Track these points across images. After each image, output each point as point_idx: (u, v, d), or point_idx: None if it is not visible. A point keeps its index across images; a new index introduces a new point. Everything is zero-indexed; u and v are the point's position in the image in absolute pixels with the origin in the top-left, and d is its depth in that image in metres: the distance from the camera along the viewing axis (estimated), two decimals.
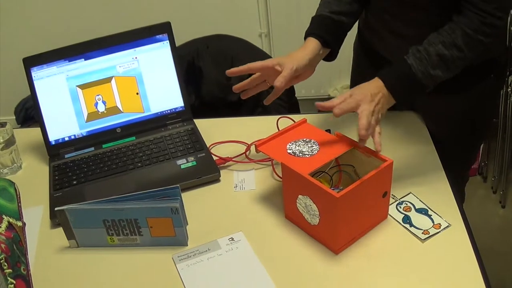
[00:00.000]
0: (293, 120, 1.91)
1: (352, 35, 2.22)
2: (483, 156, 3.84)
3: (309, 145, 1.66)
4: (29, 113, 3.93)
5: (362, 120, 1.56)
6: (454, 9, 1.71)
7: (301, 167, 1.56)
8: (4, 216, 1.45)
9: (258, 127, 2.10)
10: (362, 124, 1.55)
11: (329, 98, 4.13)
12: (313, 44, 1.84)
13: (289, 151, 1.65)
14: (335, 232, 1.56)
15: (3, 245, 1.39)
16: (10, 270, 1.38)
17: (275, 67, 1.78)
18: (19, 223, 1.50)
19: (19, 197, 1.54)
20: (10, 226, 1.45)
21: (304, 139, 1.69)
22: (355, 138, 1.66)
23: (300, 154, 1.63)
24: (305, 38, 1.88)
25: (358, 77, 2.32)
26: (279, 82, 1.74)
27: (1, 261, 1.36)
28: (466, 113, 2.01)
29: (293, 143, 1.68)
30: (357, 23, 2.18)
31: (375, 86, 1.64)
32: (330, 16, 1.88)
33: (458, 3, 1.69)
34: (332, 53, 1.90)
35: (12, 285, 1.38)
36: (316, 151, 1.63)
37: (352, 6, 1.92)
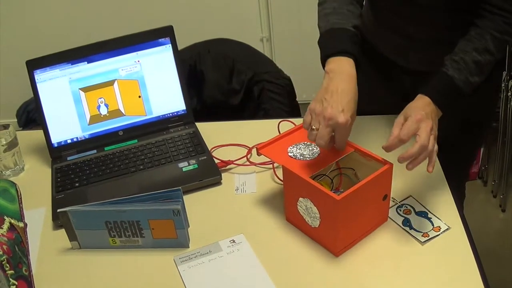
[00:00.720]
0: (294, 124, 1.93)
1: None
2: (483, 160, 3.84)
3: (310, 148, 1.67)
4: (30, 116, 3.94)
5: (422, 135, 1.52)
6: (460, 8, 1.73)
7: (302, 170, 1.57)
8: (5, 217, 1.46)
9: (259, 130, 2.11)
10: (421, 139, 1.51)
11: None
12: (351, 67, 1.67)
13: (290, 154, 1.65)
14: (336, 235, 1.56)
15: (4, 246, 1.40)
16: (12, 271, 1.39)
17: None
18: (21, 224, 1.51)
19: (21, 198, 1.55)
20: (11, 227, 1.46)
21: (305, 142, 1.70)
22: (357, 142, 1.67)
23: (301, 157, 1.63)
24: (336, 54, 1.69)
25: (360, 81, 2.33)
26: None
27: (3, 262, 1.37)
28: (465, 116, 2.02)
29: (294, 146, 1.68)
30: None
31: (424, 104, 1.61)
32: (356, 33, 1.75)
33: (464, 3, 1.70)
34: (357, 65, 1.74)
35: (14, 286, 1.39)
36: (317, 154, 1.64)
37: (358, 18, 1.84)
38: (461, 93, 1.66)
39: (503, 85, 3.25)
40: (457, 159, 2.11)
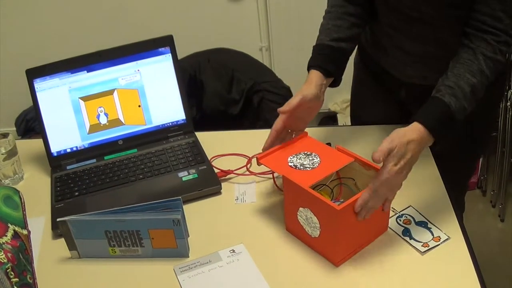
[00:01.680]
0: (294, 134, 1.92)
1: None
2: (483, 170, 3.84)
3: (310, 158, 1.67)
4: (30, 124, 3.95)
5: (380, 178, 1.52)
6: (459, 25, 1.72)
7: (302, 180, 1.57)
8: (9, 225, 1.46)
9: (259, 140, 2.09)
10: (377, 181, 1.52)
11: (329, 112, 4.16)
12: (316, 76, 1.82)
13: (290, 164, 1.65)
14: (336, 245, 1.56)
15: (9, 254, 1.39)
16: (17, 279, 1.39)
17: (299, 101, 1.76)
18: (25, 232, 1.50)
19: (24, 205, 1.55)
20: (16, 234, 1.46)
21: (305, 152, 1.70)
22: (356, 152, 1.67)
23: (301, 167, 1.63)
24: (308, 69, 1.86)
25: (358, 91, 2.34)
26: (286, 107, 1.76)
27: (8, 270, 1.37)
28: (464, 126, 2.02)
29: (294, 156, 1.68)
30: None
31: (413, 131, 1.57)
32: (329, 45, 1.87)
33: (463, 19, 1.69)
34: (335, 80, 1.89)
35: None
36: (317, 164, 1.64)
37: (352, 30, 1.91)
38: (454, 119, 1.62)
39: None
40: (456, 169, 2.11)
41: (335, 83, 1.89)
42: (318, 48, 1.89)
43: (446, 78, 1.64)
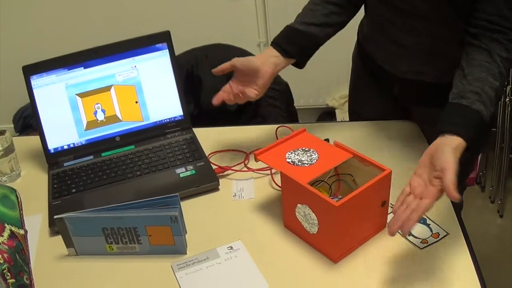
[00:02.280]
0: (291, 129, 1.92)
1: (351, 44, 2.22)
2: (481, 165, 3.84)
3: (308, 154, 1.66)
4: (27, 121, 3.94)
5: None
6: (455, 19, 1.71)
7: (300, 176, 1.56)
8: (6, 225, 1.45)
9: (257, 136, 2.10)
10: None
11: (327, 107, 4.15)
12: (269, 50, 1.90)
13: (288, 160, 1.65)
14: (334, 241, 1.56)
15: (5, 255, 1.39)
16: (13, 280, 1.39)
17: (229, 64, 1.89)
18: (21, 231, 1.50)
19: (21, 205, 1.54)
20: (12, 234, 1.45)
21: (303, 148, 1.69)
22: (355, 148, 1.67)
23: (299, 163, 1.63)
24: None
25: (356, 87, 2.33)
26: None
27: (4, 271, 1.36)
28: None
29: (292, 152, 1.68)
30: (355, 33, 2.19)
31: (455, 148, 1.50)
32: (296, 28, 1.91)
33: (459, 13, 1.68)
34: (298, 62, 1.92)
35: None
36: (315, 160, 1.64)
37: (329, 17, 1.90)
38: (485, 126, 1.57)
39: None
40: None
41: (299, 65, 1.93)
42: (286, 29, 1.94)
43: (468, 84, 1.58)
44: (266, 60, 1.85)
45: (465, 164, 2.22)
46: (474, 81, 1.58)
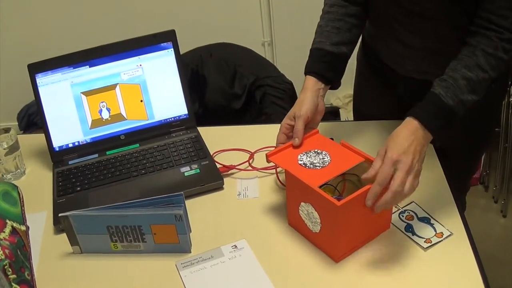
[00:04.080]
0: None
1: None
2: (485, 165, 3.83)
3: (321, 157, 1.66)
4: (32, 119, 3.94)
5: (395, 182, 1.50)
6: (461, 19, 1.71)
7: (311, 179, 1.56)
8: (7, 221, 1.46)
9: (262, 135, 2.10)
10: (394, 186, 1.50)
11: (332, 107, 4.15)
12: (312, 82, 1.83)
13: (300, 162, 1.65)
14: (336, 241, 1.56)
15: (7, 251, 1.39)
16: (15, 276, 1.39)
17: (303, 124, 1.77)
18: (23, 227, 1.50)
19: (23, 201, 1.54)
20: (14, 230, 1.46)
21: (316, 150, 1.69)
22: (359, 147, 1.67)
23: (311, 166, 1.63)
24: (305, 74, 1.86)
25: (361, 86, 2.33)
26: (295, 141, 1.74)
27: (5, 267, 1.36)
28: (468, 123, 2.01)
29: (304, 154, 1.68)
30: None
31: (409, 132, 1.56)
32: (331, 51, 1.86)
33: (465, 14, 1.68)
34: (334, 84, 1.89)
35: None
36: (327, 163, 1.63)
37: (352, 33, 1.89)
38: (453, 112, 1.59)
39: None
40: (459, 166, 2.11)
41: (334, 87, 1.90)
42: (318, 54, 1.88)
43: (444, 75, 1.63)
44: (317, 94, 1.81)
45: (470, 164, 2.23)
46: (447, 71, 1.63)
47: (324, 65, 1.84)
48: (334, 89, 1.90)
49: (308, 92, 1.80)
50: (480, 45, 1.61)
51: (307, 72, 1.85)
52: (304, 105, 1.78)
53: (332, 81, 1.86)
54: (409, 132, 1.56)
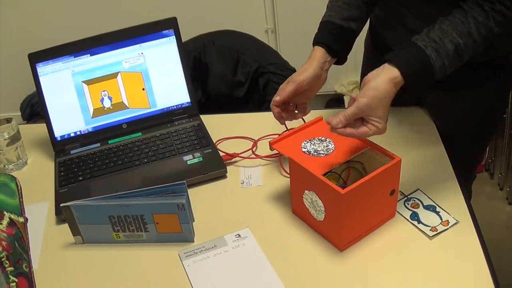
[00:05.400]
0: (301, 117, 1.90)
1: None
2: (490, 152, 3.82)
3: (325, 144, 1.65)
4: (35, 109, 3.94)
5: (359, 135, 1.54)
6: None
7: (315, 167, 1.54)
8: (5, 212, 1.45)
9: (265, 123, 2.09)
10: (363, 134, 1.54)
11: (336, 94, 4.14)
12: (320, 53, 1.81)
13: (304, 149, 1.63)
14: (340, 229, 1.55)
15: (4, 243, 1.38)
16: (12, 268, 1.38)
17: (293, 89, 1.76)
18: (21, 219, 1.49)
19: (21, 192, 1.53)
20: (11, 222, 1.45)
21: (320, 137, 1.68)
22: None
23: (315, 153, 1.61)
24: (313, 45, 1.85)
25: (368, 73, 2.31)
26: (276, 98, 1.76)
27: (3, 259, 1.35)
28: (474, 111, 2.00)
29: (308, 142, 1.66)
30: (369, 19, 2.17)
31: (389, 80, 1.55)
32: (340, 25, 1.85)
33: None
34: (341, 59, 1.88)
35: (14, 284, 1.37)
36: (331, 151, 1.62)
37: (362, 10, 1.88)
38: (432, 76, 1.58)
39: None
40: (466, 154, 2.09)
41: (340, 61, 1.88)
42: (327, 26, 1.86)
43: (432, 30, 1.61)
44: (322, 66, 1.81)
45: (476, 152, 2.21)
46: (438, 30, 1.59)
47: (333, 37, 1.83)
48: (340, 64, 1.89)
49: (314, 63, 1.79)
50: (472, 12, 1.59)
51: (315, 42, 1.84)
52: (304, 72, 1.78)
53: (339, 55, 1.85)
54: (389, 80, 1.55)
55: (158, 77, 2.12)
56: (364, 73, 2.31)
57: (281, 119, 1.80)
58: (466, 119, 2.01)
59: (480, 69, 1.84)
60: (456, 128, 1.99)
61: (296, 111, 1.84)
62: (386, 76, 1.55)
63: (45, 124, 2.07)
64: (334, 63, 1.86)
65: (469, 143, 2.10)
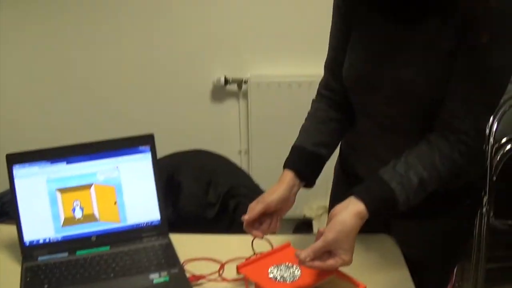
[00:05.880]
0: (269, 241, 1.92)
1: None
2: (458, 277, 3.81)
3: (291, 270, 1.67)
4: (5, 208, 3.90)
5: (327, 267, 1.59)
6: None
7: None
8: None
9: (233, 245, 2.10)
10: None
11: (305, 218, 4.15)
12: (289, 177, 1.88)
13: (270, 275, 1.65)
14: None
15: None
16: None
17: (262, 209, 1.83)
18: None
19: None
20: None
21: (286, 264, 1.70)
22: None
23: (281, 279, 1.63)
24: (283, 168, 1.92)
25: (337, 199, 2.34)
26: (247, 215, 1.82)
27: None
28: (441, 237, 2.02)
29: (275, 267, 1.68)
30: (339, 145, 2.22)
31: (356, 215, 1.60)
32: (310, 151, 1.92)
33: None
34: (309, 183, 1.94)
35: None
36: (297, 277, 1.65)
37: (333, 137, 1.96)
38: (396, 208, 1.65)
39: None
40: (432, 280, 2.11)
41: (309, 185, 1.94)
42: (298, 151, 1.95)
43: (398, 163, 1.67)
44: (290, 189, 1.88)
45: (442, 277, 2.23)
46: (403, 163, 1.66)
47: (302, 163, 1.91)
48: (308, 187, 1.95)
49: (283, 185, 1.86)
50: (437, 144, 1.67)
51: (286, 166, 1.91)
52: (273, 194, 1.85)
53: (307, 179, 1.92)
54: (356, 214, 1.61)
55: (131, 192, 2.14)
56: (332, 197, 2.35)
57: (250, 229, 1.85)
58: (433, 246, 2.04)
59: (447, 197, 1.88)
60: (424, 254, 2.02)
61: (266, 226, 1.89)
62: (352, 211, 1.61)
63: (15, 226, 2.06)
64: (303, 186, 1.91)
65: (435, 268, 2.12)
